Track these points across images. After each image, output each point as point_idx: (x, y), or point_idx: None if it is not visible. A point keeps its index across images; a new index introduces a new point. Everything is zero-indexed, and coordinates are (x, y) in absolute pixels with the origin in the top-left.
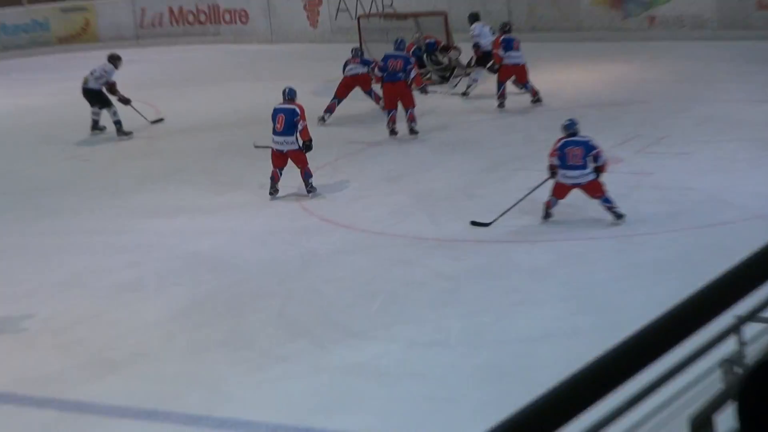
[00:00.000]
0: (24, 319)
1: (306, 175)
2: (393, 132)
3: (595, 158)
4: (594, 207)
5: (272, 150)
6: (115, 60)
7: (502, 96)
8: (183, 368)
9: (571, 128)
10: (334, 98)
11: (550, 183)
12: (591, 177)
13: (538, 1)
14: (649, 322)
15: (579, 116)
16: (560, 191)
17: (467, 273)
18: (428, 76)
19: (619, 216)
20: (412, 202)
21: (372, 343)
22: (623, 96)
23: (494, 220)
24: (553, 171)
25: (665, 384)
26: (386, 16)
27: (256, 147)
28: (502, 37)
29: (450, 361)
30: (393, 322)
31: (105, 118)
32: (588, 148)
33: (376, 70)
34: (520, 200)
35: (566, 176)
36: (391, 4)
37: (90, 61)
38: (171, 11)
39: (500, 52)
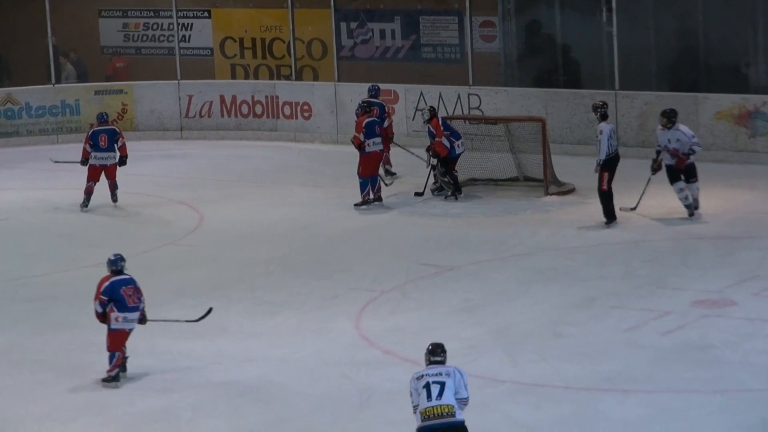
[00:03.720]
0: None
1: None
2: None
3: None
4: (700, 354)
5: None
6: None
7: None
8: None
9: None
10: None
11: None
12: None
13: (651, 112)
14: None
15: (687, 250)
16: None
17: (548, 424)
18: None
19: None
20: (489, 337)
21: None
22: (742, 228)
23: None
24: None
25: None
26: (472, 120)
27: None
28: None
29: None
30: None
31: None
32: None
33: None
34: None
35: None
36: (479, 106)
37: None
38: (222, 100)
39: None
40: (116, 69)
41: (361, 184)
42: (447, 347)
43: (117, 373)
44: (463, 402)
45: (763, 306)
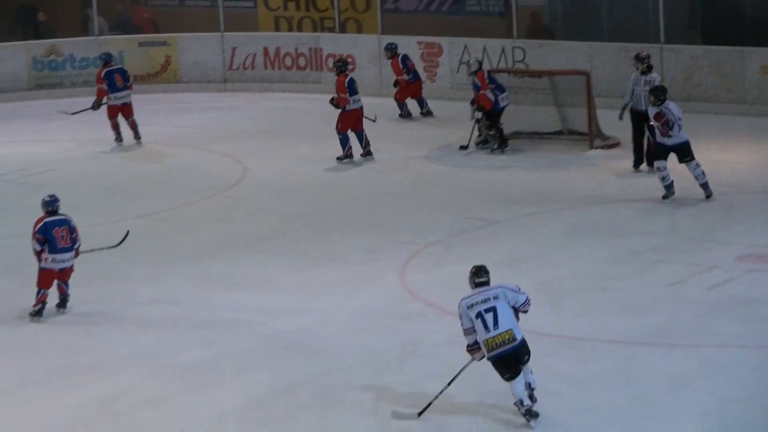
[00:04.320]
0: (81, 398)
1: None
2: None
3: None
4: (745, 309)
5: None
6: None
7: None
8: None
9: None
10: None
11: None
12: None
13: (697, 66)
14: None
15: (733, 204)
16: None
17: (593, 377)
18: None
19: None
20: (533, 290)
21: None
22: None
23: None
24: None
25: None
26: (516, 73)
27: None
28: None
29: None
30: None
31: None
32: None
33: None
34: None
35: None
36: (523, 58)
37: (169, 104)
38: (266, 52)
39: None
40: (143, 19)
41: (341, 139)
42: None
43: (41, 308)
44: (526, 305)
45: None
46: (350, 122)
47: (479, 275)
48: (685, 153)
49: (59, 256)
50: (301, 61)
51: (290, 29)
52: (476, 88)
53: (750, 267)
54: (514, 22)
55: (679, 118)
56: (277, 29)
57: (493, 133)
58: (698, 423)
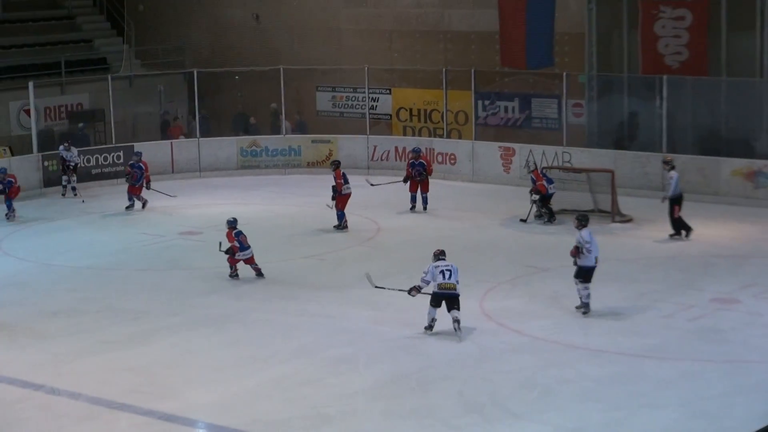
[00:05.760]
0: (262, 377)
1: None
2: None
3: None
4: (714, 335)
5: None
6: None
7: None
8: (380, 427)
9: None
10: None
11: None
12: None
13: (687, 169)
14: None
15: (709, 263)
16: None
17: (608, 378)
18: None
19: None
20: (569, 318)
21: (528, 424)
22: (747, 250)
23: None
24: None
25: None
26: (564, 170)
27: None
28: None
29: None
30: (546, 409)
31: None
32: None
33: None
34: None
35: None
36: (569, 159)
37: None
38: (396, 149)
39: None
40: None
41: (338, 215)
42: (541, 324)
43: (236, 273)
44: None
45: (760, 304)
46: (345, 202)
47: (442, 255)
48: (585, 275)
49: (245, 253)
50: None
51: (413, 134)
52: (533, 180)
53: (718, 307)
54: (564, 134)
55: (588, 241)
56: (404, 134)
57: (545, 210)
58: (679, 412)
